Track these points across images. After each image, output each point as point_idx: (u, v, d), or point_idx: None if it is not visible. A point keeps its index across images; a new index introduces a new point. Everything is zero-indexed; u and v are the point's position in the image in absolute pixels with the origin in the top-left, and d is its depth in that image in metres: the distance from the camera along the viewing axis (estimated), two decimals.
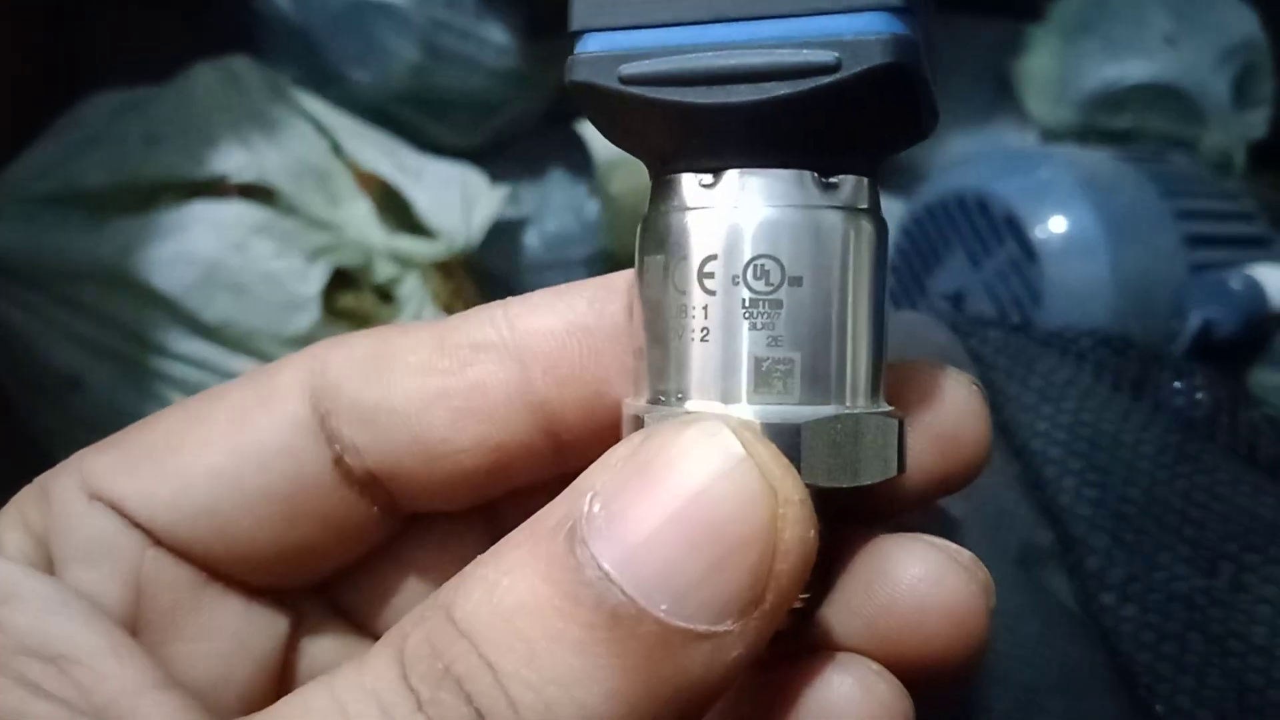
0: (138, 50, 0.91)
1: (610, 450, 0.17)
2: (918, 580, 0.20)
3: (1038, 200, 0.75)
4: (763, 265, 0.18)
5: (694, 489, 0.16)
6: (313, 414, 0.22)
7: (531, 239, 0.95)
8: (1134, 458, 0.33)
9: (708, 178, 0.18)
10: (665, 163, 0.19)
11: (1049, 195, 0.75)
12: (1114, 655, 0.30)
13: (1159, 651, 0.30)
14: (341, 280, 0.82)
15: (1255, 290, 0.73)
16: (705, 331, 0.18)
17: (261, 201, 0.79)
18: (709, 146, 0.18)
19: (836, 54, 0.17)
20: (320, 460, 0.22)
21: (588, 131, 0.99)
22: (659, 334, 0.19)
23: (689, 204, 0.18)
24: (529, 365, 0.21)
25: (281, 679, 0.24)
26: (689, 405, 0.19)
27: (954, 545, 0.20)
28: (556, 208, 0.95)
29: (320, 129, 0.86)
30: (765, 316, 0.18)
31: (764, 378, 0.18)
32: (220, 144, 0.81)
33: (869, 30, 0.17)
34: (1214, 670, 0.29)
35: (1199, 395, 0.35)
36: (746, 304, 0.18)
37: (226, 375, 0.78)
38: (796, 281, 0.18)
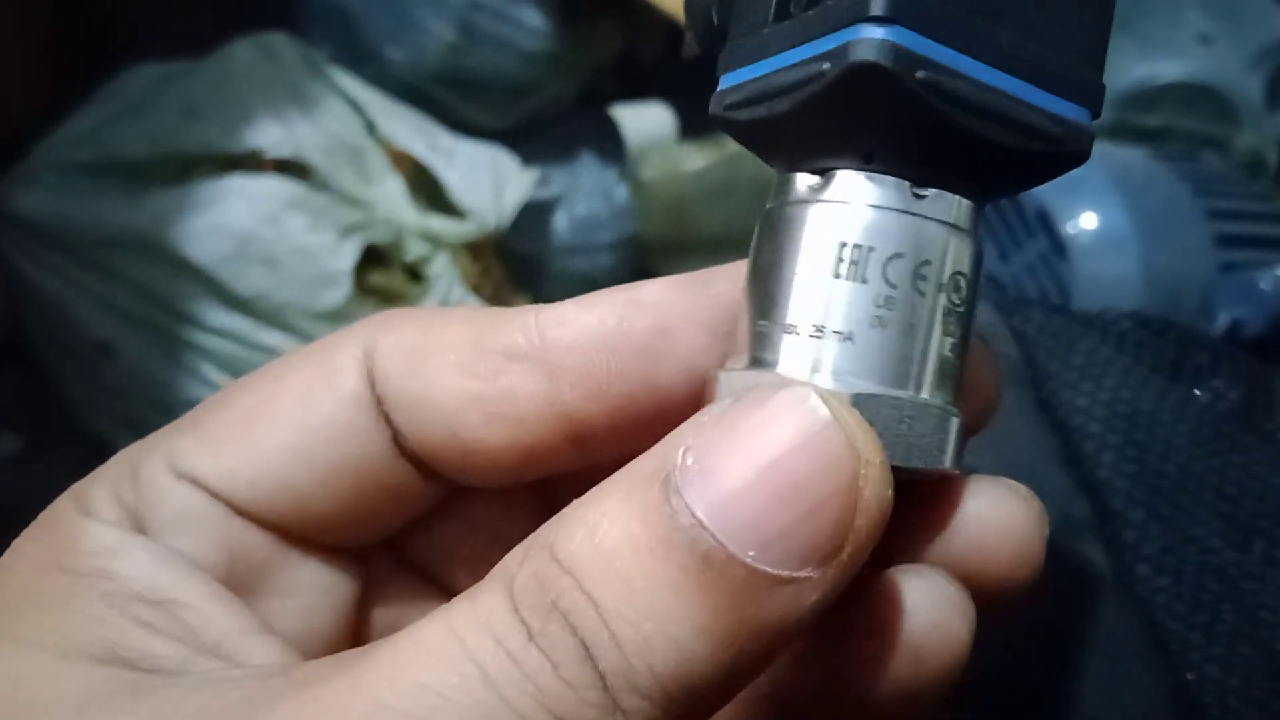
0: (177, 24, 0.92)
1: (699, 412, 0.19)
2: (982, 506, 0.22)
3: (1069, 196, 0.75)
4: (958, 280, 0.20)
5: (784, 447, 0.17)
6: (371, 393, 0.23)
7: (560, 222, 0.95)
8: (1171, 435, 0.34)
9: (926, 190, 0.20)
10: (868, 161, 0.20)
11: (1081, 191, 0.75)
12: (1148, 624, 0.31)
13: (1191, 621, 0.31)
14: (372, 257, 0.83)
15: None
16: (911, 327, 0.20)
17: (296, 177, 0.80)
18: (937, 165, 0.20)
19: (1061, 131, 0.20)
20: (382, 436, 0.23)
21: (620, 116, 1.00)
22: (845, 316, 0.20)
23: (904, 207, 0.20)
24: (557, 378, 0.22)
25: (359, 629, 0.25)
26: (878, 389, 0.20)
27: (1011, 480, 0.22)
28: (586, 191, 0.95)
29: (355, 107, 0.86)
30: (953, 324, 0.20)
31: (941, 378, 0.20)
32: (257, 119, 0.81)
33: (1078, 119, 0.20)
34: (1244, 640, 0.30)
35: (1234, 379, 0.36)
36: (945, 311, 0.20)
37: (257, 348, 0.79)
38: (970, 300, 0.21)
